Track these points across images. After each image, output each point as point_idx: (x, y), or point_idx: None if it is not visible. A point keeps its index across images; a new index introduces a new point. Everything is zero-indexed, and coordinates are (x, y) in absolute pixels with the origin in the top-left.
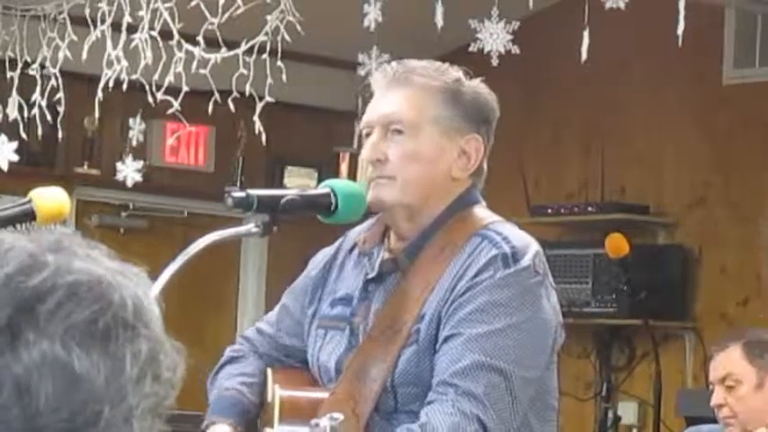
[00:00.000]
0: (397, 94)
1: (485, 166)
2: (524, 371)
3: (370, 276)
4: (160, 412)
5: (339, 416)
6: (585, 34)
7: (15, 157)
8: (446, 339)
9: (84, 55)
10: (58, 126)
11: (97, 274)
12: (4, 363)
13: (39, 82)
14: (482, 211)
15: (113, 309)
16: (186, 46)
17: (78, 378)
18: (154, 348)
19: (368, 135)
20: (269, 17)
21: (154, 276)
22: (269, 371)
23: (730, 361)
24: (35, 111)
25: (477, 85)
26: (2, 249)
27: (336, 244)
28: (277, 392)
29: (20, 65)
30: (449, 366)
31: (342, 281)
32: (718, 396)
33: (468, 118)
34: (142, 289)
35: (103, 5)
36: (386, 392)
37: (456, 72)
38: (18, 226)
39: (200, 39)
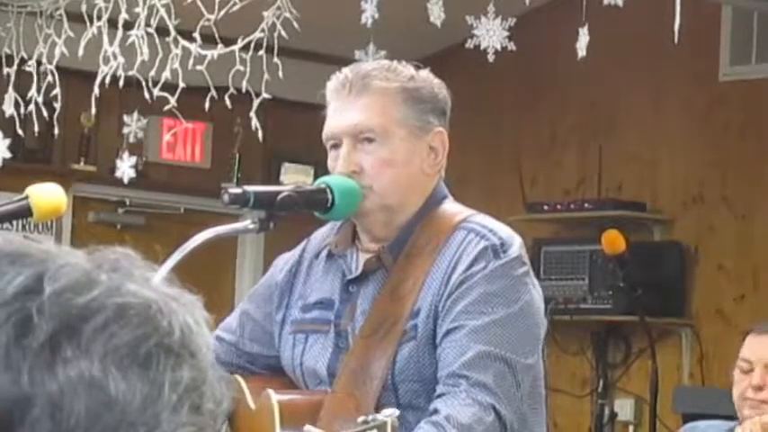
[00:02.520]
0: (359, 102)
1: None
2: (525, 358)
3: (352, 277)
4: None
5: (394, 410)
6: (582, 31)
7: (8, 154)
8: (448, 332)
9: (81, 51)
10: (55, 122)
11: (148, 298)
12: (40, 378)
13: (35, 78)
14: (454, 206)
15: (159, 335)
16: (183, 42)
17: (113, 400)
18: (197, 378)
19: (333, 147)
20: (265, 13)
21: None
22: (239, 379)
23: None
24: (32, 107)
25: (428, 77)
26: (56, 265)
27: (299, 249)
28: (273, 397)
29: (16, 61)
30: (456, 358)
31: (311, 286)
32: (762, 377)
33: (430, 113)
34: (194, 317)
35: (100, 2)
36: (386, 390)
37: (407, 69)
38: (14, 222)
39: (196, 35)
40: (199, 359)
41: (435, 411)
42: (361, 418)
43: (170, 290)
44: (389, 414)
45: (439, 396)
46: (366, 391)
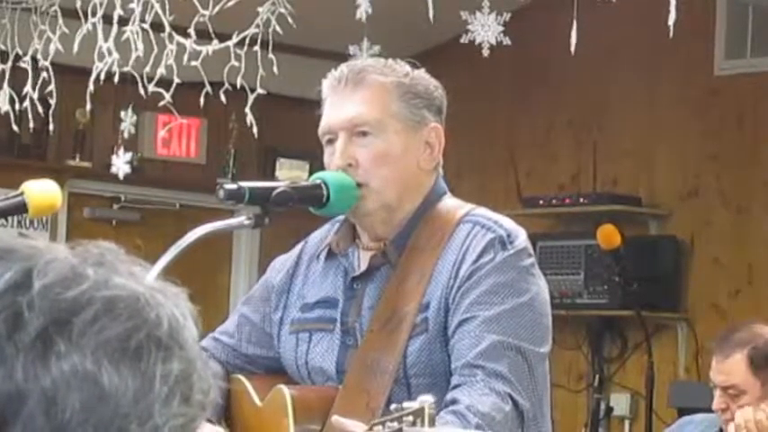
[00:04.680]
0: (356, 96)
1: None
2: (538, 347)
3: (357, 274)
4: None
5: (429, 397)
6: (573, 28)
7: None
8: (460, 323)
9: (76, 47)
10: (50, 119)
11: (136, 291)
12: (33, 373)
13: (30, 74)
14: (454, 201)
15: (148, 327)
16: (177, 38)
17: (106, 393)
18: (186, 370)
19: (329, 141)
20: (260, 9)
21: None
22: (242, 378)
23: (734, 372)
24: (26, 103)
25: (424, 76)
26: (43, 260)
27: (296, 251)
28: (287, 392)
29: (11, 57)
30: (470, 349)
31: (311, 286)
32: (720, 401)
33: (425, 109)
34: (180, 310)
35: None
36: (398, 384)
37: (403, 67)
38: (9, 218)
39: (191, 31)
40: (187, 351)
41: (454, 401)
42: (393, 406)
43: (155, 283)
44: (424, 400)
45: (455, 386)
46: (377, 386)
